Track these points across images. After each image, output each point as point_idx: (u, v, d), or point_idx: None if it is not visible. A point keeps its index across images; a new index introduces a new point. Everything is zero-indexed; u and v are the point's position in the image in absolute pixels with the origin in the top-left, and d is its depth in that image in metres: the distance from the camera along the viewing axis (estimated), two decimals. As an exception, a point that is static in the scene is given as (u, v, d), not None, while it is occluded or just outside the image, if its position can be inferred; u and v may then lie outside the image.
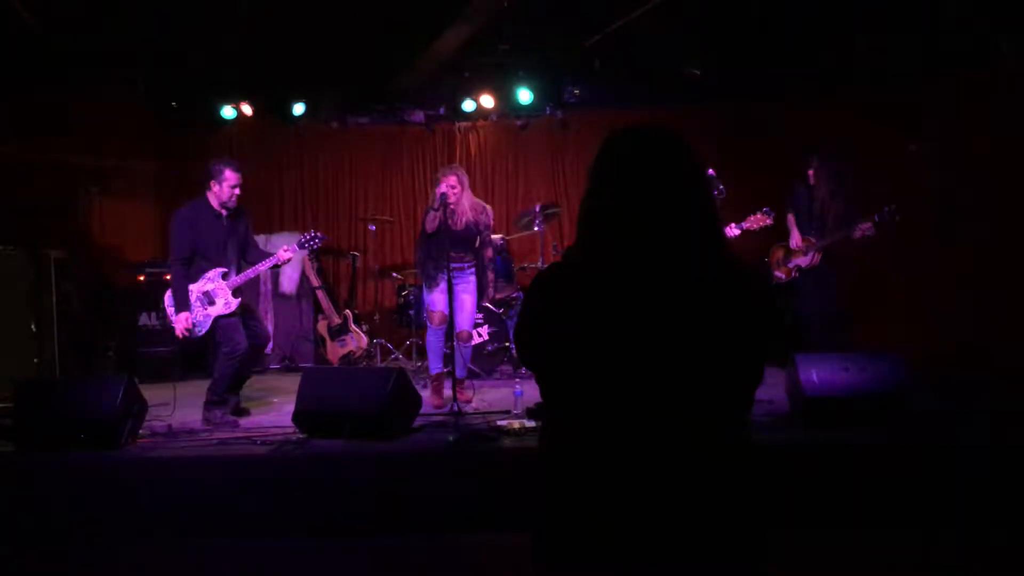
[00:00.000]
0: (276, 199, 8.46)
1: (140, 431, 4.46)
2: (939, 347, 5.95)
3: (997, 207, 5.95)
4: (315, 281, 7.64)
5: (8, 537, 3.85)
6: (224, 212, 4.96)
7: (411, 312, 6.99)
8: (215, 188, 4.91)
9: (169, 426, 4.70)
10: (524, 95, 7.73)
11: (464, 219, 5.19)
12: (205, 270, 4.87)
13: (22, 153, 6.69)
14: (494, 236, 5.76)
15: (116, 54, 6.87)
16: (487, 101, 7.90)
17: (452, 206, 5.14)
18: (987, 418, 4.38)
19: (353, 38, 6.73)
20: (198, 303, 4.86)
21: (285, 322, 7.86)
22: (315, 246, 5.18)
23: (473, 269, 5.35)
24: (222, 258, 4.93)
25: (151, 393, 4.94)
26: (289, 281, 7.85)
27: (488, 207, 5.42)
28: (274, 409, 5.41)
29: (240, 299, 4.93)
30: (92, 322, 6.88)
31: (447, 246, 5.01)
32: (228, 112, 7.94)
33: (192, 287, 4.87)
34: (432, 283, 5.26)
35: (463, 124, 8.52)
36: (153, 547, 3.73)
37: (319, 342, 7.46)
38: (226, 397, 4.96)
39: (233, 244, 5.01)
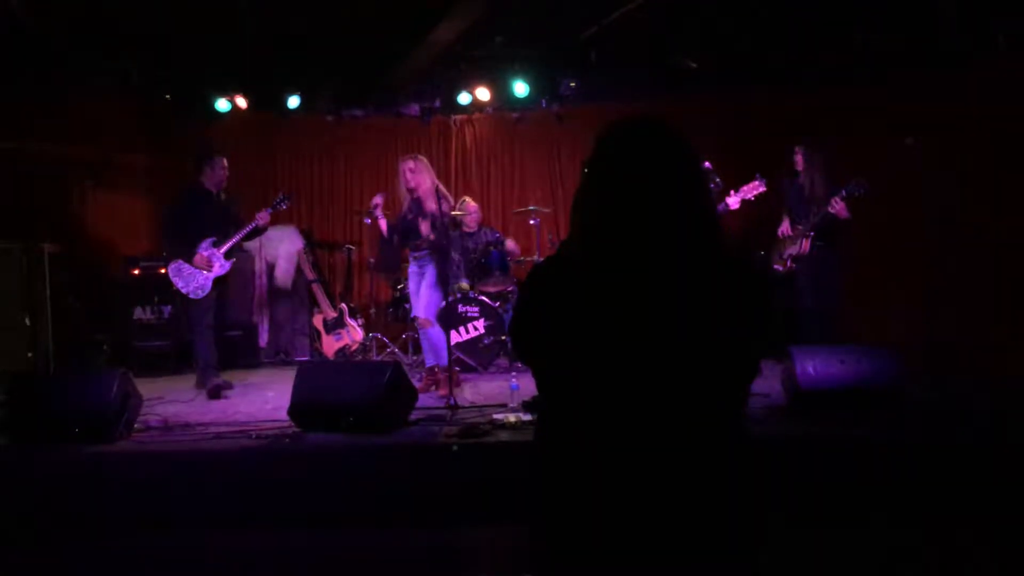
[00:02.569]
0: (271, 192, 8.35)
1: (135, 424, 4.45)
2: (936, 342, 5.95)
3: (996, 204, 5.95)
4: (310, 274, 7.62)
5: (1, 531, 3.83)
6: (214, 191, 5.81)
7: (407, 306, 6.96)
8: (208, 172, 5.79)
9: (164, 420, 4.69)
10: (520, 88, 7.69)
11: (426, 207, 5.42)
12: (201, 240, 5.64)
13: (15, 146, 6.64)
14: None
15: (109, 46, 6.82)
16: (483, 94, 7.85)
17: (413, 192, 5.46)
18: (984, 412, 4.39)
19: (348, 30, 6.69)
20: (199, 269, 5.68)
21: (280, 316, 7.83)
22: (283, 207, 6.09)
23: (432, 258, 5.54)
24: (215, 230, 5.72)
25: (145, 387, 4.92)
26: (284, 275, 7.82)
27: (448, 195, 5.66)
28: (269, 403, 5.39)
29: (233, 261, 5.77)
30: (86, 316, 6.84)
31: (412, 238, 5.50)
32: (222, 104, 7.87)
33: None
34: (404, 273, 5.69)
35: (458, 117, 8.48)
36: (148, 540, 3.72)
37: (314, 336, 7.44)
38: (210, 363, 5.76)
39: (224, 219, 5.81)
